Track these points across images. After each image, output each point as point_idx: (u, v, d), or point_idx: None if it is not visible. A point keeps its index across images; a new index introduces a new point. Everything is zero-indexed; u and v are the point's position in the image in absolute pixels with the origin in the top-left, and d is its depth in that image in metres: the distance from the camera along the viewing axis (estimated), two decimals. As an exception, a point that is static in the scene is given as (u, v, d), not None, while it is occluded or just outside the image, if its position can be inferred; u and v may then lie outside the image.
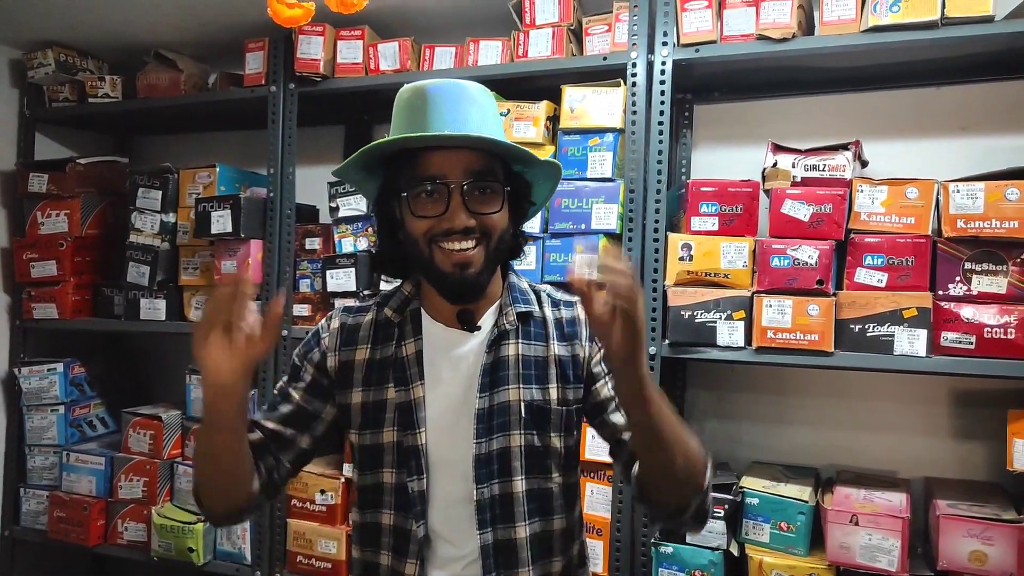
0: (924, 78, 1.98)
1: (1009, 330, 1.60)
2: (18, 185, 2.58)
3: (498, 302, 1.25)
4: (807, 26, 1.87)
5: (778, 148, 1.87)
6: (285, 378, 1.32)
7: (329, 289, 2.20)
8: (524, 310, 1.25)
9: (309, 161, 2.57)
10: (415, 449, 1.21)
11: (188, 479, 2.35)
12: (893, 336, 1.67)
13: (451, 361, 1.23)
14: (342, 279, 2.18)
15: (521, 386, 1.22)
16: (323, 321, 1.32)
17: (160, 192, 2.41)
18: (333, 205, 2.24)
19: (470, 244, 1.14)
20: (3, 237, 2.63)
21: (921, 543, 1.81)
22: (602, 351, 1.23)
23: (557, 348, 1.24)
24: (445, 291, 1.20)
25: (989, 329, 1.62)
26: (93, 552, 2.46)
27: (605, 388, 1.23)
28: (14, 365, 2.58)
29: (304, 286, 2.28)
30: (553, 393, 1.23)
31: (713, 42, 1.85)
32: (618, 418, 1.22)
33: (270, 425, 1.27)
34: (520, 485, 1.20)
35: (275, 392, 1.32)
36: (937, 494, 1.76)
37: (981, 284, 1.65)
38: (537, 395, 1.22)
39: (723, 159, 2.17)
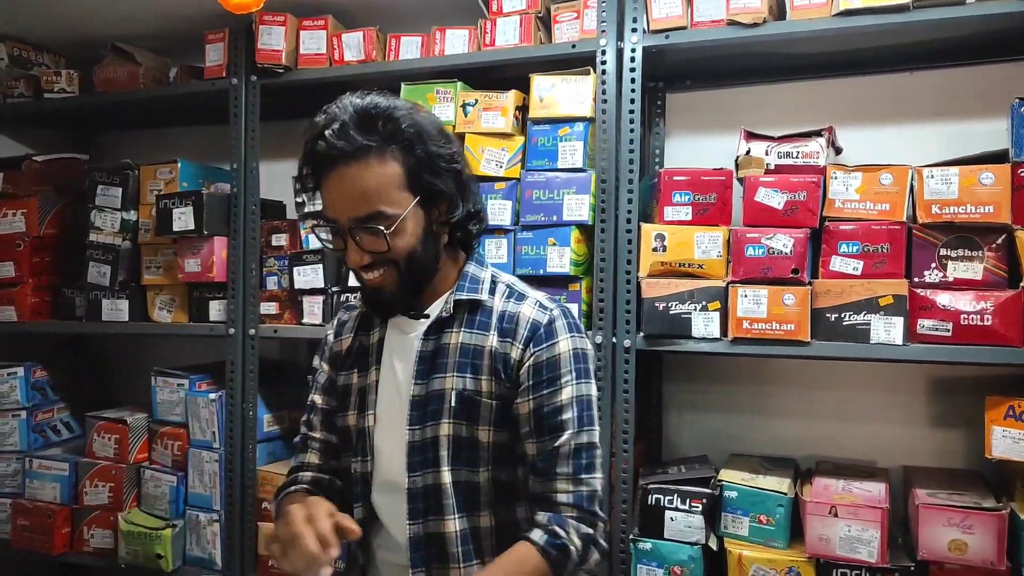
0: (897, 63, 1.96)
1: (985, 316, 1.58)
2: (-29, 184, 2.49)
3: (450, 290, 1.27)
4: (778, 11, 1.83)
5: (751, 136, 1.84)
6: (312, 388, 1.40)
7: (297, 286, 2.14)
8: (467, 297, 1.24)
9: (275, 156, 2.50)
10: (364, 431, 1.26)
11: (156, 484, 2.29)
12: (869, 324, 1.64)
13: (402, 347, 1.26)
14: (310, 276, 2.12)
15: (456, 374, 1.21)
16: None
17: (120, 189, 2.33)
18: (299, 200, 2.13)
19: (375, 274, 1.17)
20: (-43, 238, 2.53)
21: (901, 533, 1.79)
22: (533, 359, 1.20)
23: (495, 340, 1.22)
24: (367, 306, 1.29)
25: (965, 315, 1.60)
26: (59, 560, 2.39)
27: (525, 404, 1.20)
28: (-28, 370, 2.50)
29: (271, 283, 2.21)
30: (485, 385, 1.21)
31: (683, 28, 1.81)
32: (528, 448, 1.21)
33: (317, 435, 1.36)
34: (447, 476, 1.19)
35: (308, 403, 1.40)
36: (916, 483, 1.74)
37: (957, 270, 1.63)
38: (470, 384, 1.21)
39: (696, 148, 2.14)
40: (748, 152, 1.80)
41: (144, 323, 2.34)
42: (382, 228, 1.13)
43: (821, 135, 1.78)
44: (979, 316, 1.59)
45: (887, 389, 1.99)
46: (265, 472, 2.20)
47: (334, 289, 2.11)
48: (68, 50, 2.60)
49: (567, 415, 1.19)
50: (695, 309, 1.75)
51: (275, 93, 2.22)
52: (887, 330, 1.63)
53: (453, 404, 1.20)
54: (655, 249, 1.78)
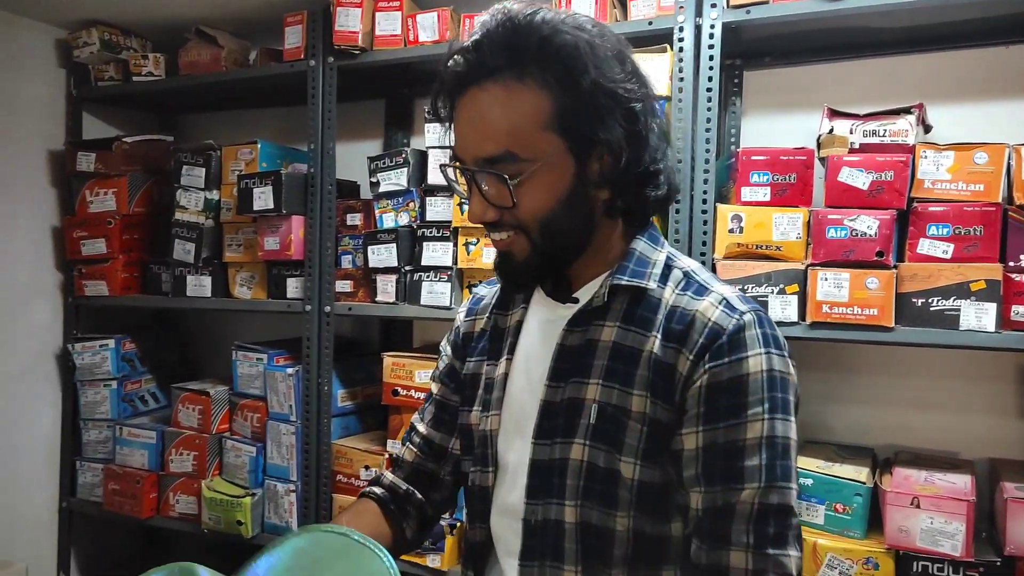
0: (992, 36, 1.86)
1: (1086, 303, 1.50)
2: (67, 164, 2.61)
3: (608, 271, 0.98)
4: (867, -17, 1.76)
5: (834, 113, 1.78)
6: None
7: (371, 265, 2.18)
8: (628, 283, 0.95)
9: (351, 136, 2.55)
10: (486, 436, 1.03)
11: (236, 453, 2.38)
12: (959, 310, 1.58)
13: (542, 335, 1.01)
14: (384, 255, 2.16)
15: (601, 382, 0.93)
16: None
17: (203, 169, 2.42)
18: (374, 180, 2.22)
19: (502, 235, 0.93)
20: (54, 216, 2.67)
21: (986, 527, 1.73)
22: (708, 378, 0.88)
23: (657, 344, 0.92)
24: (497, 275, 1.03)
25: (1064, 302, 1.52)
26: (145, 524, 2.51)
27: (691, 437, 0.89)
28: (68, 341, 2.64)
29: (346, 262, 2.26)
30: (636, 402, 0.91)
31: (765, 2, 1.75)
32: (692, 498, 0.90)
33: (421, 429, 1.17)
34: (572, 514, 0.92)
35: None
36: (1004, 476, 1.68)
37: (1056, 255, 1.55)
38: (616, 398, 0.92)
39: (775, 127, 2.08)
40: (831, 131, 1.74)
41: (225, 299, 2.42)
42: (506, 176, 0.88)
43: (911, 112, 1.71)
44: (1079, 303, 1.51)
45: (973, 377, 1.91)
46: (339, 446, 2.27)
47: (407, 268, 2.14)
48: (155, 34, 2.69)
49: (752, 461, 0.86)
50: (772, 292, 1.71)
51: (351, 74, 2.26)
52: (978, 316, 1.57)
53: (592, 421, 0.91)
54: (731, 230, 1.75)
